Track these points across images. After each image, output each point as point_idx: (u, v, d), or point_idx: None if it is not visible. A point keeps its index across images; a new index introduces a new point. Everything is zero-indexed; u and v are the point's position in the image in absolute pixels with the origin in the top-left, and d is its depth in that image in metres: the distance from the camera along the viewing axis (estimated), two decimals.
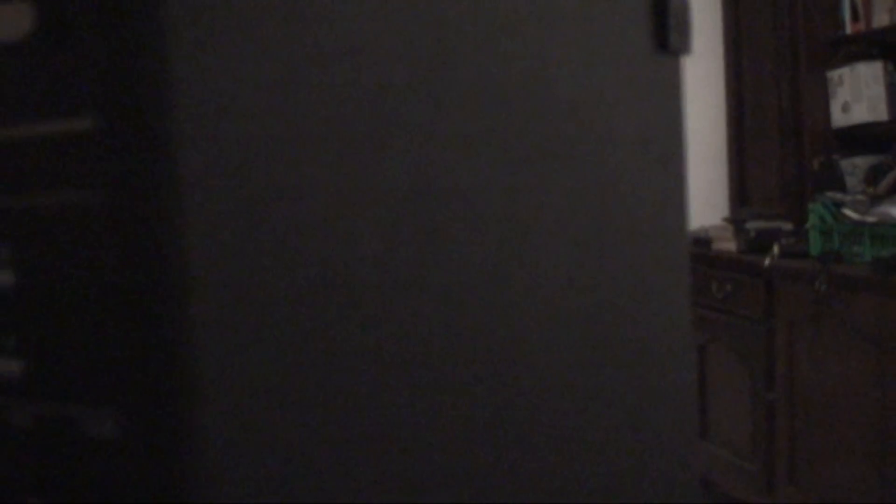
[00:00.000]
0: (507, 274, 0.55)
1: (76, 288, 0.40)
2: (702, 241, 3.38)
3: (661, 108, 0.72)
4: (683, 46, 0.74)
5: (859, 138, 3.19)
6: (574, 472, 0.62)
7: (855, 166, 3.09)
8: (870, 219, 2.76)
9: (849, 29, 3.22)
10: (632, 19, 0.69)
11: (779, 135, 3.39)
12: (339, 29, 0.44)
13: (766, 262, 3.03)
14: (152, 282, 0.38)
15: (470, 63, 0.52)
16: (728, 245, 3.34)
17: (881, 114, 3.10)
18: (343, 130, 0.45)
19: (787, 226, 3.23)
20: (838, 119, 3.23)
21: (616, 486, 0.66)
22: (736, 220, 3.38)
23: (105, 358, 0.40)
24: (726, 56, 3.66)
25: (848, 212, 2.85)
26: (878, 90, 3.09)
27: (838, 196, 2.95)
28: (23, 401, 0.43)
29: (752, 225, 3.29)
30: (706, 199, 3.53)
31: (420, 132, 0.49)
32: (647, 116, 0.70)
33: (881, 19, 3.09)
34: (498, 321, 0.54)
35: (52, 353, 0.42)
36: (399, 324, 0.48)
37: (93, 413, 0.40)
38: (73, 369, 0.41)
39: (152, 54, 0.37)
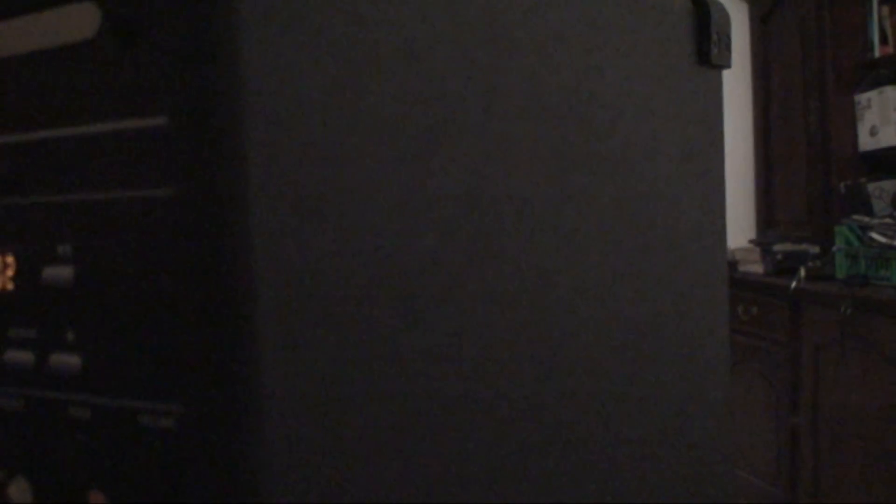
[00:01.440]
0: (552, 280, 0.56)
1: (138, 284, 0.41)
2: (728, 263, 3.37)
3: (702, 122, 0.72)
4: (724, 61, 0.75)
5: (887, 162, 3.19)
6: (610, 477, 0.62)
7: (882, 190, 3.09)
8: None
9: (877, 52, 3.22)
10: (675, 33, 0.69)
11: (806, 157, 3.39)
12: (399, 34, 0.45)
13: (793, 284, 3.03)
14: (217, 277, 0.38)
15: (520, 71, 0.53)
16: (754, 267, 3.34)
17: None
18: (401, 132, 0.45)
19: (814, 249, 3.23)
20: (866, 142, 3.22)
21: (650, 494, 0.67)
22: (762, 243, 3.38)
23: (166, 353, 0.40)
24: (754, 78, 3.67)
25: (875, 235, 2.85)
26: None
27: (865, 220, 2.95)
28: (81, 395, 0.44)
29: (779, 247, 3.29)
30: (732, 221, 3.52)
31: (473, 137, 0.50)
32: (688, 129, 0.70)
33: None
34: (543, 326, 0.55)
35: (111, 348, 0.42)
36: (450, 325, 0.48)
37: (152, 406, 0.41)
38: (133, 364, 0.42)
39: (224, 54, 0.38)
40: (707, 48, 0.72)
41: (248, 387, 0.38)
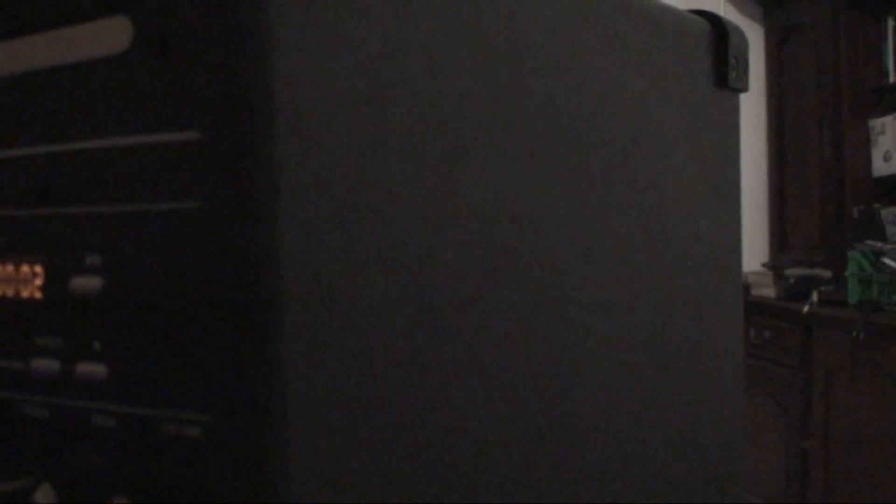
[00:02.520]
0: (570, 295, 0.56)
1: (165, 294, 0.42)
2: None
3: (719, 144, 0.73)
4: (742, 84, 0.75)
5: None
6: (624, 491, 0.62)
7: (895, 216, 3.09)
8: None
9: (892, 77, 3.23)
10: (694, 55, 0.70)
11: (819, 182, 3.39)
12: (424, 52, 0.46)
13: (805, 309, 3.02)
14: (245, 288, 0.39)
15: (541, 90, 0.54)
16: (767, 291, 3.34)
17: None
18: (425, 148, 0.46)
19: (826, 273, 3.22)
20: (879, 168, 3.22)
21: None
22: (775, 267, 3.38)
23: (192, 362, 0.41)
24: (769, 102, 3.67)
25: (887, 261, 2.84)
26: None
27: (878, 245, 2.94)
28: (106, 403, 0.44)
29: (792, 272, 3.29)
30: (745, 244, 3.52)
31: (494, 154, 0.50)
32: (705, 150, 0.71)
33: None
34: (560, 340, 0.55)
35: (137, 358, 0.43)
36: (469, 337, 0.49)
37: (176, 415, 0.42)
38: (158, 373, 0.42)
39: (257, 68, 0.38)
40: (725, 71, 0.73)
41: (273, 396, 0.39)
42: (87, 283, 0.44)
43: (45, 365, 0.46)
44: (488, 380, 0.50)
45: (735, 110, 0.75)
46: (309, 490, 0.40)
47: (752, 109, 3.62)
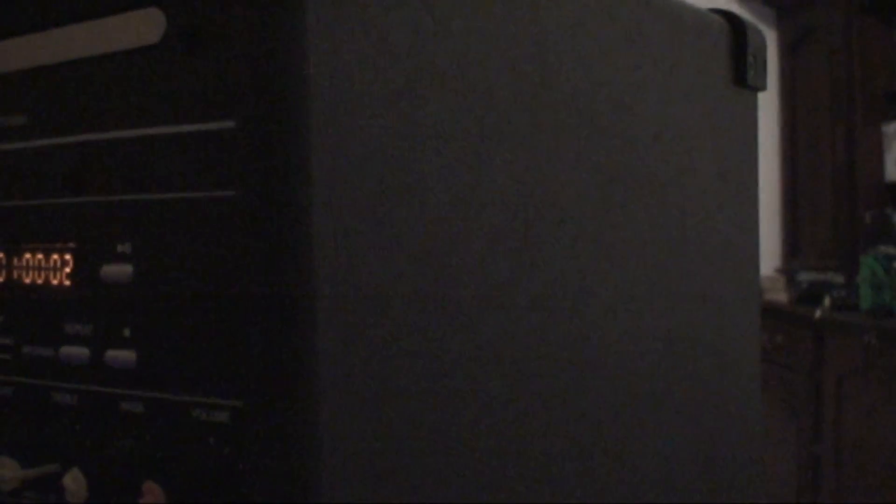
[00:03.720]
0: (592, 289, 0.57)
1: (196, 282, 0.42)
2: None
3: (737, 142, 0.73)
4: (760, 83, 0.76)
5: None
6: (641, 487, 0.63)
7: None
8: None
9: None
10: (713, 54, 0.71)
11: (832, 187, 3.39)
12: (454, 46, 0.47)
13: (817, 314, 3.02)
14: (279, 276, 0.40)
15: (565, 86, 0.54)
16: (779, 296, 3.33)
17: None
18: (454, 141, 0.47)
19: (839, 278, 3.22)
20: (892, 173, 3.22)
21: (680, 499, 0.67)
22: (788, 272, 3.37)
23: (222, 349, 0.41)
24: (782, 106, 3.67)
25: None
26: None
27: (891, 250, 2.94)
28: (135, 390, 0.45)
29: (804, 277, 3.28)
30: None
31: (520, 147, 0.51)
32: (724, 148, 0.71)
33: None
34: (582, 333, 0.56)
35: (167, 344, 0.43)
36: (494, 328, 0.49)
37: (206, 401, 0.42)
38: (188, 359, 0.43)
39: (292, 59, 0.39)
40: (743, 69, 0.73)
41: (304, 382, 0.40)
42: (117, 271, 0.45)
43: (75, 352, 0.47)
44: (510, 370, 0.50)
45: (753, 109, 0.76)
46: (338, 475, 0.41)
47: (765, 114, 3.61)
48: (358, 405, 0.41)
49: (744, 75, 0.73)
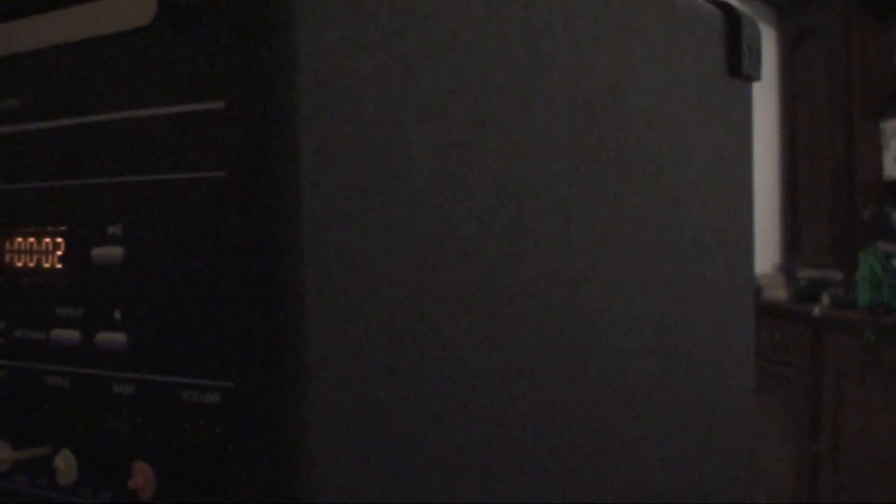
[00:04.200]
0: (585, 275, 0.57)
1: (186, 263, 0.42)
2: None
3: (731, 131, 0.73)
4: (755, 72, 0.76)
5: None
6: (634, 476, 0.63)
7: None
8: None
9: None
10: (707, 43, 0.71)
11: (831, 184, 3.39)
12: (444, 28, 0.47)
13: (815, 311, 3.02)
14: (267, 257, 0.39)
15: (558, 71, 0.54)
16: (778, 293, 3.33)
17: None
18: (444, 122, 0.47)
19: (837, 275, 3.22)
20: (891, 170, 3.22)
21: (673, 494, 0.67)
22: (786, 268, 3.37)
23: (213, 330, 0.41)
24: (781, 104, 3.67)
25: None
26: None
27: (889, 247, 2.93)
28: (126, 372, 0.45)
29: (802, 274, 3.28)
30: (756, 246, 3.52)
31: (512, 131, 0.51)
32: (718, 138, 0.71)
33: None
34: (575, 319, 0.56)
35: (158, 326, 0.44)
36: (486, 311, 0.49)
37: (196, 382, 0.42)
38: (178, 341, 0.43)
39: (280, 40, 0.39)
40: (738, 59, 0.73)
41: (294, 363, 0.40)
42: (108, 253, 0.45)
43: (66, 335, 0.47)
44: (502, 354, 0.50)
45: (748, 99, 0.76)
46: (328, 457, 0.41)
47: (765, 112, 3.62)
48: (347, 386, 0.41)
49: (738, 65, 0.73)
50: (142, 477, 0.43)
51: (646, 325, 0.63)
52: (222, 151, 0.41)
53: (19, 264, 0.49)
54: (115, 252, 0.45)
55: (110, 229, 0.45)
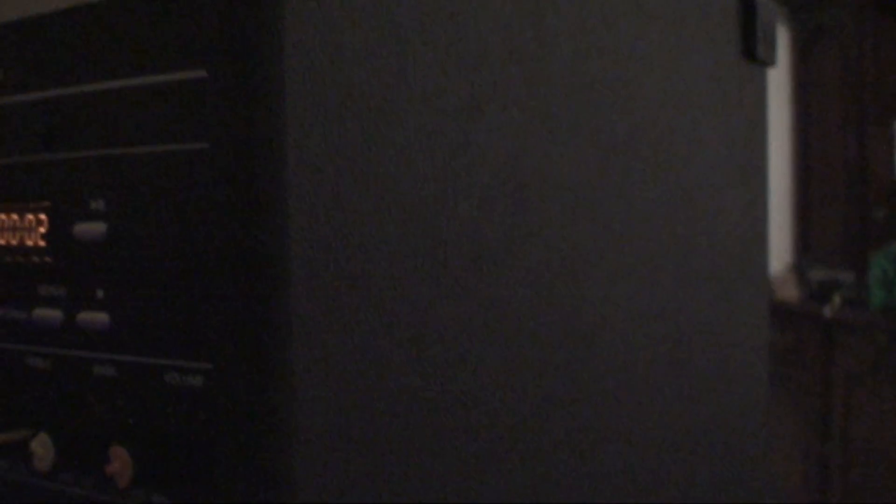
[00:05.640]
0: (589, 262, 0.55)
1: (170, 240, 0.40)
2: None
3: (745, 117, 0.71)
4: (769, 57, 0.74)
5: None
6: (644, 475, 0.61)
7: None
8: None
9: None
10: (721, 26, 0.68)
11: (843, 184, 3.36)
12: None
13: (827, 312, 3.00)
14: (251, 232, 0.38)
15: (565, 50, 0.52)
16: (789, 294, 3.31)
17: None
18: (442, 98, 0.45)
19: (849, 276, 3.20)
20: None
21: (685, 493, 0.65)
22: (798, 269, 3.35)
23: (196, 310, 0.40)
24: (793, 104, 3.65)
25: None
26: None
27: None
28: (108, 353, 0.43)
29: (814, 274, 3.26)
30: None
31: (514, 110, 0.49)
32: (732, 123, 0.69)
33: None
34: (578, 309, 0.54)
35: (141, 306, 0.42)
36: (484, 297, 0.47)
37: (179, 364, 0.40)
38: (162, 322, 0.41)
39: (265, 5, 0.37)
40: (752, 43, 0.71)
41: (277, 345, 0.38)
42: (91, 229, 0.43)
43: (48, 314, 0.45)
44: (500, 343, 0.48)
45: (762, 84, 0.74)
46: (311, 440, 0.39)
47: (777, 111, 3.59)
48: (334, 370, 0.40)
49: (753, 48, 0.71)
50: (119, 462, 0.41)
51: (654, 317, 0.61)
52: (205, 122, 0.39)
53: (2, 242, 0.47)
54: (97, 228, 0.43)
55: (93, 204, 0.43)
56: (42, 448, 0.44)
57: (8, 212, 0.47)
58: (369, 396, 0.41)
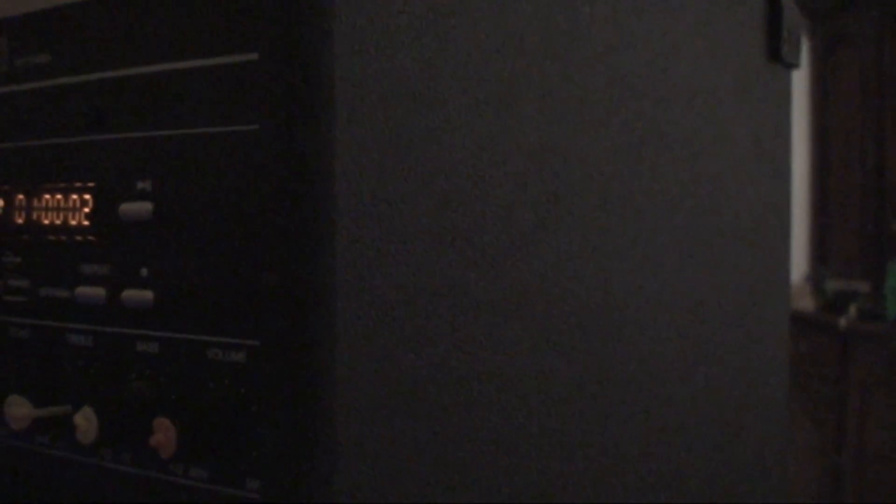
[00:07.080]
0: (618, 250, 0.55)
1: (215, 219, 0.41)
2: None
3: (770, 117, 0.72)
4: (794, 59, 0.74)
5: None
6: (665, 466, 0.62)
7: None
8: None
9: None
10: (748, 26, 0.69)
11: (861, 195, 3.36)
12: None
13: (843, 322, 2.99)
14: (298, 211, 0.39)
15: (599, 41, 0.53)
16: (805, 303, 3.31)
17: None
18: (481, 80, 0.46)
19: (865, 287, 3.19)
20: None
21: (705, 489, 0.66)
22: (814, 279, 3.35)
23: (240, 287, 0.41)
24: (812, 113, 3.64)
25: None
26: None
27: None
28: (151, 330, 0.44)
29: (830, 284, 3.25)
30: None
31: (548, 96, 0.50)
32: (757, 121, 0.70)
33: None
34: (607, 293, 0.55)
35: (184, 283, 0.43)
36: (516, 277, 0.48)
37: (222, 340, 0.41)
38: (205, 298, 0.42)
39: None
40: (778, 44, 0.72)
41: (322, 322, 0.39)
42: (136, 209, 0.44)
43: (91, 292, 0.46)
44: (532, 321, 0.49)
45: (787, 85, 0.75)
46: (353, 416, 0.40)
47: (796, 119, 3.59)
48: (375, 348, 0.41)
49: (778, 50, 0.72)
50: (163, 433, 0.42)
51: (678, 309, 0.62)
52: (256, 104, 0.40)
53: (46, 221, 0.48)
54: (144, 207, 0.44)
55: (139, 185, 0.44)
56: (86, 421, 0.45)
57: (52, 192, 0.48)
58: (407, 373, 0.42)
